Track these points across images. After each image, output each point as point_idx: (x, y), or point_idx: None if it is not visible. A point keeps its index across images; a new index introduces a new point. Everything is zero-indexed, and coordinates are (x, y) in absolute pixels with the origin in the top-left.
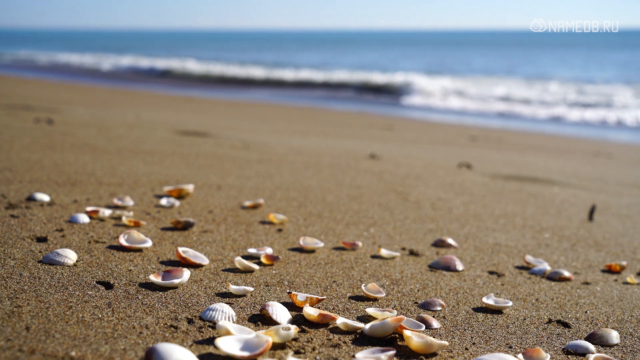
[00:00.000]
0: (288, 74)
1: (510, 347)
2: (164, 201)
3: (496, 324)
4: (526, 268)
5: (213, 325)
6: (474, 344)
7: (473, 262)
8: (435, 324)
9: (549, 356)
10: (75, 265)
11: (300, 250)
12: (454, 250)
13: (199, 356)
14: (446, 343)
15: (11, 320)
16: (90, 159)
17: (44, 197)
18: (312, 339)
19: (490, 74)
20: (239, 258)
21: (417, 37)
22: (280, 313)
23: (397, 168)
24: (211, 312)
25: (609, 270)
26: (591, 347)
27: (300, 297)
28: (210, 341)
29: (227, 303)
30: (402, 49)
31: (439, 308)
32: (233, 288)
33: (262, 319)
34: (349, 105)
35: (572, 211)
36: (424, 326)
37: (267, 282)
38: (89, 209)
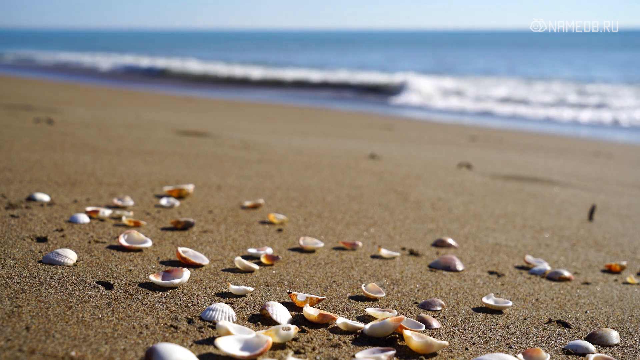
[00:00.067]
0: (286, 74)
1: (510, 347)
2: (164, 201)
3: (496, 324)
4: (526, 268)
5: (213, 325)
6: (474, 344)
7: (473, 262)
8: (435, 324)
9: (549, 356)
10: (75, 265)
11: (300, 250)
12: (454, 250)
13: (199, 356)
14: (446, 343)
15: (11, 320)
16: (90, 159)
17: (44, 197)
18: (312, 339)
19: (489, 74)
20: (239, 258)
21: (417, 37)
22: (280, 313)
23: (397, 168)
24: (211, 312)
25: (609, 270)
26: (591, 347)
27: (300, 297)
28: (210, 341)
29: (227, 303)
30: (402, 49)
31: (439, 308)
32: (233, 288)
33: (262, 319)
34: (344, 105)
35: (572, 211)
36: (424, 326)
37: (267, 282)
38: (89, 209)
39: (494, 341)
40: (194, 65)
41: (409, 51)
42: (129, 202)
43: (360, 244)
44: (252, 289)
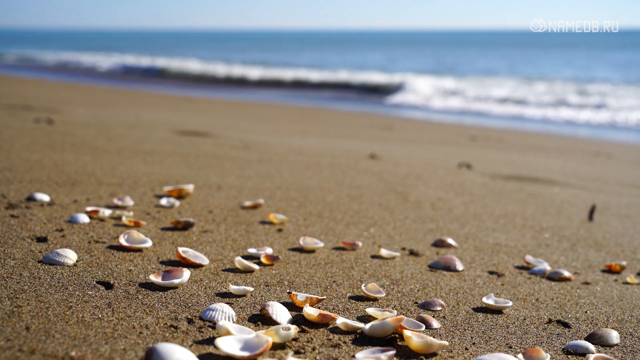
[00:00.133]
0: (284, 74)
1: (510, 347)
2: (164, 201)
3: (496, 324)
4: (526, 268)
5: (213, 325)
6: (474, 344)
7: (473, 262)
8: (435, 324)
9: (549, 356)
10: (75, 265)
11: (300, 250)
12: (454, 250)
13: (199, 356)
14: (446, 343)
15: (11, 320)
16: (90, 159)
17: (44, 197)
18: (312, 339)
19: (489, 74)
20: (239, 258)
21: (417, 37)
22: (280, 313)
23: (397, 168)
24: (211, 312)
25: (609, 270)
26: (591, 347)
27: (300, 297)
28: (210, 341)
29: (227, 303)
30: (402, 49)
31: (439, 308)
32: (233, 288)
33: (262, 319)
34: (341, 104)
35: (572, 211)
36: (424, 326)
37: (267, 282)
38: (89, 209)
39: (494, 341)
40: (195, 65)
41: (408, 51)
42: (129, 202)
43: (360, 244)
44: (252, 289)
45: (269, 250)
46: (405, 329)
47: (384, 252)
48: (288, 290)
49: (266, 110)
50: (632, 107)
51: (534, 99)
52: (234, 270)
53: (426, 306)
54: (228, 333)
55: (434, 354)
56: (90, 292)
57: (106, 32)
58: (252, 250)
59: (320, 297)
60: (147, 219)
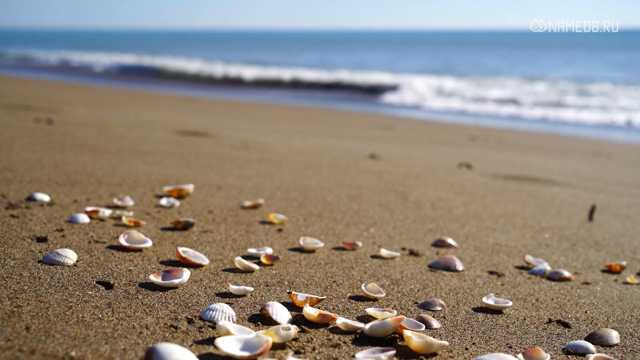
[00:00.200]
0: (276, 74)
1: (510, 347)
2: (164, 201)
3: (496, 324)
4: (526, 268)
5: (213, 325)
6: (474, 344)
7: (473, 262)
8: (435, 324)
9: (549, 356)
10: (75, 265)
11: (300, 250)
12: (454, 250)
13: (199, 356)
14: (446, 343)
15: (11, 320)
16: (90, 159)
17: (44, 197)
18: (312, 339)
19: (489, 74)
20: (239, 258)
21: (417, 37)
22: (280, 313)
23: (397, 168)
24: (211, 312)
25: (609, 270)
26: (591, 347)
27: (300, 297)
28: (210, 341)
29: (227, 303)
30: (402, 49)
31: (439, 308)
32: (233, 288)
33: (262, 319)
34: (336, 104)
35: (572, 211)
36: (424, 326)
37: (267, 282)
38: (89, 209)
39: (494, 341)
40: (195, 65)
41: (408, 51)
42: (129, 202)
43: (360, 244)
44: (252, 289)
45: (269, 250)
46: (405, 329)
47: (384, 252)
48: (288, 290)
49: (266, 110)
50: (632, 107)
51: (533, 98)
52: (234, 270)
53: (426, 306)
54: (228, 333)
55: (434, 354)
56: (90, 292)
57: (106, 32)
58: (252, 250)
59: (320, 297)
60: (147, 219)
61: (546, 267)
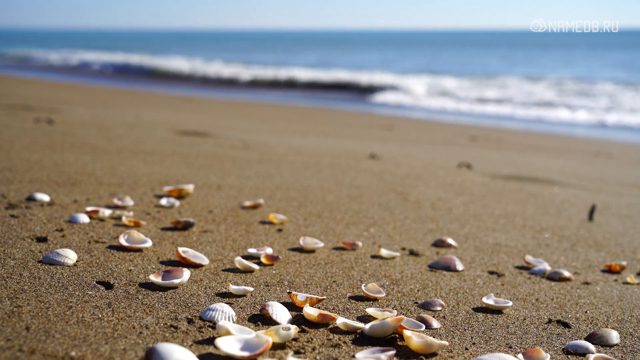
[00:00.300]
0: (269, 73)
1: (510, 347)
2: (164, 201)
3: (496, 324)
4: (526, 268)
5: (213, 325)
6: (474, 344)
7: (473, 262)
8: (435, 324)
9: (549, 356)
10: (75, 265)
11: (300, 250)
12: (454, 250)
13: (199, 356)
14: (446, 343)
15: (11, 320)
16: (90, 159)
17: (44, 197)
18: (312, 339)
19: (489, 74)
20: (239, 258)
21: (417, 37)
22: (280, 313)
23: (397, 168)
24: (211, 312)
25: (609, 270)
26: (591, 347)
27: (300, 297)
28: (210, 341)
29: (227, 303)
30: (401, 49)
31: (439, 308)
32: (233, 288)
33: (262, 319)
34: (331, 104)
35: (572, 211)
36: (424, 326)
37: (267, 282)
38: (89, 209)
39: (494, 341)
40: (195, 65)
41: (408, 51)
42: (129, 202)
43: (360, 244)
44: (252, 289)
45: (269, 250)
46: (405, 329)
47: (384, 252)
48: (288, 290)
49: (266, 110)
50: (632, 107)
51: (533, 99)
52: (234, 270)
53: (426, 306)
54: (228, 333)
55: (434, 354)
56: (90, 292)
57: (106, 32)
58: (252, 250)
59: (320, 297)
60: (147, 219)
61: (546, 267)
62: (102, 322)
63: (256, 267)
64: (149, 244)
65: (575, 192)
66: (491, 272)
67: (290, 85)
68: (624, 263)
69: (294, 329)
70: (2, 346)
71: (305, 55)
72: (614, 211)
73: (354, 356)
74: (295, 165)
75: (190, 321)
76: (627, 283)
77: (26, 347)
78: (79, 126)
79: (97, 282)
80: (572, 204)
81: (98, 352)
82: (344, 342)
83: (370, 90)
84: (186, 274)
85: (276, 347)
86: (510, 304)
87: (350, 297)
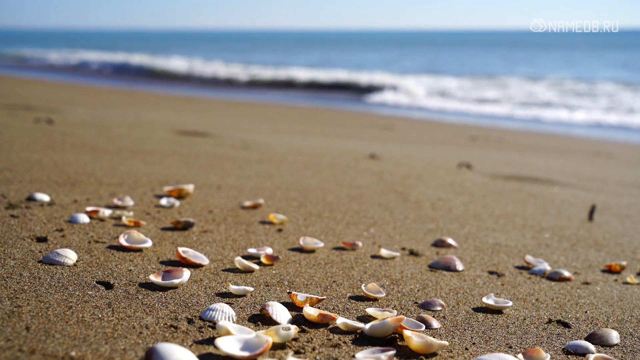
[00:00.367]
0: (267, 73)
1: (510, 347)
2: (164, 201)
3: (496, 324)
4: (526, 268)
5: (213, 325)
6: (474, 344)
7: (473, 262)
8: (435, 324)
9: (549, 356)
10: (75, 265)
11: (300, 250)
12: (454, 250)
13: (199, 356)
14: (446, 343)
15: (11, 320)
16: (90, 159)
17: (44, 197)
18: (312, 339)
19: (488, 74)
20: (239, 258)
21: (417, 37)
22: (280, 313)
23: (397, 168)
24: (211, 312)
25: (609, 270)
26: (591, 347)
27: (300, 297)
28: (210, 341)
29: (227, 303)
30: (400, 49)
31: (439, 308)
32: (233, 288)
33: (262, 319)
34: (332, 104)
35: (572, 211)
36: (424, 326)
37: (267, 282)
38: (89, 209)
39: (494, 341)
40: (197, 65)
41: (408, 51)
42: (129, 202)
43: (360, 244)
44: (252, 289)
45: (269, 250)
46: (405, 329)
47: (384, 252)
48: (288, 290)
49: (266, 110)
50: (632, 107)
51: (533, 99)
52: (234, 270)
53: (426, 306)
54: (228, 333)
55: (434, 354)
56: (90, 292)
57: (106, 32)
58: (252, 250)
59: (320, 297)
60: (147, 219)
61: (546, 267)
62: (102, 322)
63: (256, 267)
64: (149, 244)
65: (575, 192)
66: (491, 272)
67: (290, 85)
68: (624, 263)
69: (294, 329)
70: (2, 346)
71: (305, 55)
72: (614, 211)
73: (354, 356)
74: (295, 165)
75: (190, 321)
76: (627, 283)
77: (26, 347)
78: (79, 126)
79: (97, 282)
80: (572, 204)
81: (98, 352)
82: (344, 342)
83: (370, 90)
84: (186, 274)
85: (276, 347)
86: (510, 304)
87: (350, 297)
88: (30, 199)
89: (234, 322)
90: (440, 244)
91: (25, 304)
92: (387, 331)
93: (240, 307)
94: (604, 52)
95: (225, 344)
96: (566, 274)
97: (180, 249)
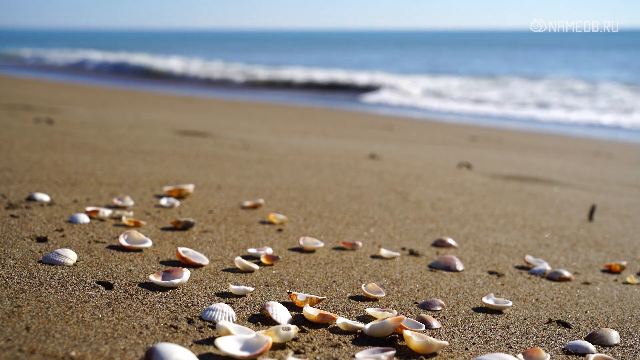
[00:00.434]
0: (261, 73)
1: (510, 347)
2: (164, 201)
3: (496, 324)
4: (526, 268)
5: (213, 325)
6: (474, 344)
7: (473, 262)
8: (435, 324)
9: (549, 356)
10: (75, 265)
11: (300, 250)
12: (454, 250)
13: (199, 356)
14: (446, 343)
15: (11, 320)
16: (90, 159)
17: (44, 197)
18: (312, 339)
19: (488, 74)
20: (239, 258)
21: (417, 37)
22: (280, 313)
23: (397, 168)
24: (211, 312)
25: (609, 270)
26: (591, 347)
27: (300, 297)
28: (210, 341)
29: (227, 303)
30: (401, 49)
31: (439, 308)
32: (233, 288)
33: (262, 319)
34: (332, 104)
35: (572, 211)
36: (424, 326)
37: (267, 282)
38: (89, 209)
39: (494, 341)
40: (197, 65)
41: (408, 51)
42: (129, 202)
43: (360, 244)
44: (252, 289)
45: (269, 250)
46: (405, 329)
47: (384, 252)
48: (288, 290)
49: (266, 110)
50: (632, 107)
51: (533, 99)
52: (234, 270)
53: (426, 306)
54: (228, 333)
55: (434, 354)
56: (90, 292)
57: (106, 32)
58: (252, 250)
59: (320, 297)
60: (147, 219)
61: (546, 267)
62: (102, 322)
63: (256, 267)
64: (149, 244)
65: (575, 192)
66: (491, 272)
67: (288, 85)
68: (624, 263)
69: (294, 329)
70: (2, 346)
71: (305, 55)
72: (614, 211)
73: (354, 356)
74: (295, 165)
75: (190, 321)
76: (627, 283)
77: (26, 347)
78: (79, 126)
79: (97, 282)
80: (572, 204)
81: (98, 352)
82: (344, 342)
83: (369, 90)
84: (186, 274)
85: (276, 347)
86: (510, 304)
87: (350, 297)
88: (30, 199)
89: (234, 322)
90: (440, 244)
91: (25, 304)
92: (387, 331)
93: (240, 307)
94: (604, 52)
95: (225, 344)
96: (566, 274)
97: (180, 249)
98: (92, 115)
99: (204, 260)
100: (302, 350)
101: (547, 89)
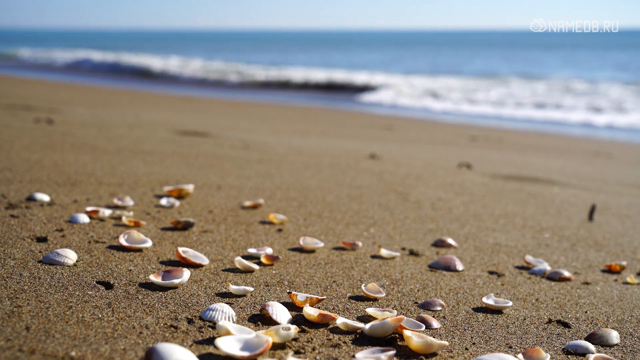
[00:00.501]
0: (259, 73)
1: (510, 347)
2: (164, 201)
3: (496, 324)
4: (526, 268)
5: (213, 325)
6: (474, 344)
7: (473, 262)
8: (435, 324)
9: (549, 356)
10: (75, 265)
11: (300, 250)
12: (454, 250)
13: (199, 356)
14: (446, 343)
15: (11, 320)
16: (90, 159)
17: (44, 197)
18: (312, 339)
19: (488, 74)
20: (239, 258)
21: (417, 37)
22: (280, 313)
23: (397, 168)
24: (211, 312)
25: (609, 270)
26: (591, 347)
27: (300, 297)
28: (210, 341)
29: (227, 303)
30: (401, 49)
31: (439, 308)
32: (233, 288)
33: (262, 319)
34: (318, 102)
35: (572, 211)
36: (424, 326)
37: (267, 282)
38: (89, 209)
39: (494, 341)
40: (196, 65)
41: (408, 51)
42: (129, 202)
43: (360, 244)
44: (252, 289)
45: (269, 250)
46: (405, 329)
47: (384, 252)
48: (288, 290)
49: (266, 110)
50: (632, 106)
51: (533, 99)
52: (234, 270)
53: (426, 306)
54: (228, 333)
55: (434, 354)
56: (90, 292)
57: (106, 32)
58: (252, 250)
59: (320, 297)
60: (147, 219)
61: (546, 267)
62: (102, 322)
63: (256, 267)
64: (149, 244)
65: (575, 192)
66: (491, 272)
67: (288, 85)
68: (624, 263)
69: (294, 329)
70: (2, 346)
71: (305, 55)
72: (614, 211)
73: (354, 356)
74: (295, 165)
75: (190, 321)
76: (627, 283)
77: (26, 347)
78: (79, 126)
79: (97, 282)
80: (572, 204)
81: (98, 352)
82: (344, 342)
83: (369, 90)
84: (186, 274)
85: (276, 347)
86: (510, 304)
87: (350, 297)
88: (30, 199)
89: (234, 322)
90: (440, 244)
91: (25, 304)
92: (387, 331)
93: (240, 307)
94: (604, 52)
95: (225, 344)
96: (566, 274)
97: (180, 249)
98: (92, 115)
99: (204, 260)
100: (302, 350)
101: (547, 89)
